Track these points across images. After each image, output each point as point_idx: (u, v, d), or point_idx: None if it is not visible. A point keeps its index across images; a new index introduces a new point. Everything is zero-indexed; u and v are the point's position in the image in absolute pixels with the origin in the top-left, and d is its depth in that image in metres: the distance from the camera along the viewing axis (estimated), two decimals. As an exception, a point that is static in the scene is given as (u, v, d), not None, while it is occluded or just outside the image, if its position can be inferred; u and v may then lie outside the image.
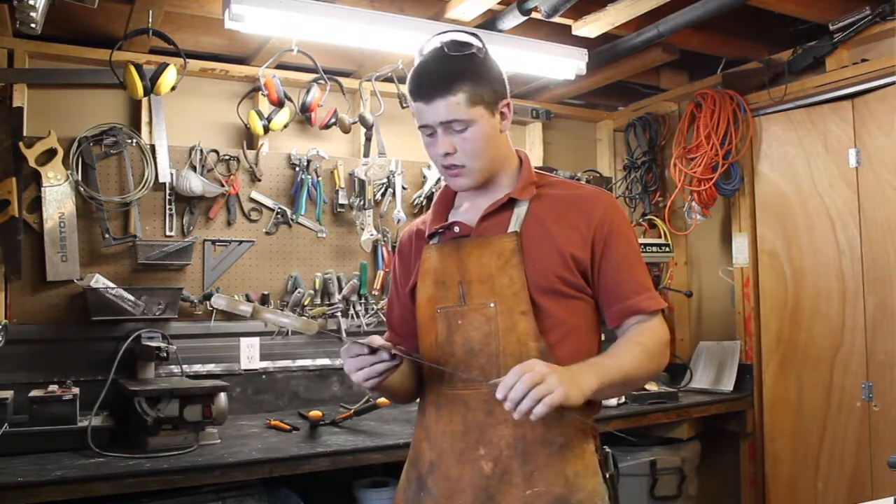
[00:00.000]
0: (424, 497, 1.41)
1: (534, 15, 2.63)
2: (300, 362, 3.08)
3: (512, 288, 1.36)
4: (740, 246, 3.44)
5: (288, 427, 2.61)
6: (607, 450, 1.43)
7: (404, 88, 3.15)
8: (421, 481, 1.43)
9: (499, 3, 2.63)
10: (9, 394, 2.32)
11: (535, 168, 1.53)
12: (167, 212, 2.91)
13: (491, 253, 1.40)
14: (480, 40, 1.43)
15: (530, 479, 1.32)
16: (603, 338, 1.49)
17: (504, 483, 1.33)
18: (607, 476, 1.40)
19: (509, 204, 1.44)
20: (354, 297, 3.18)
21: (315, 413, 2.66)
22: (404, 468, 1.52)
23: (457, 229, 1.47)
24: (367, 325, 3.17)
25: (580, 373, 1.25)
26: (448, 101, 1.35)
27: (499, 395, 1.18)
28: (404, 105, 3.21)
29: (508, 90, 1.46)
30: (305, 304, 3.09)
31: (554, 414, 1.23)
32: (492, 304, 1.37)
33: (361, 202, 3.23)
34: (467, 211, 1.50)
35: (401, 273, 1.57)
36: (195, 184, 2.89)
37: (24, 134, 2.67)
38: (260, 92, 3.05)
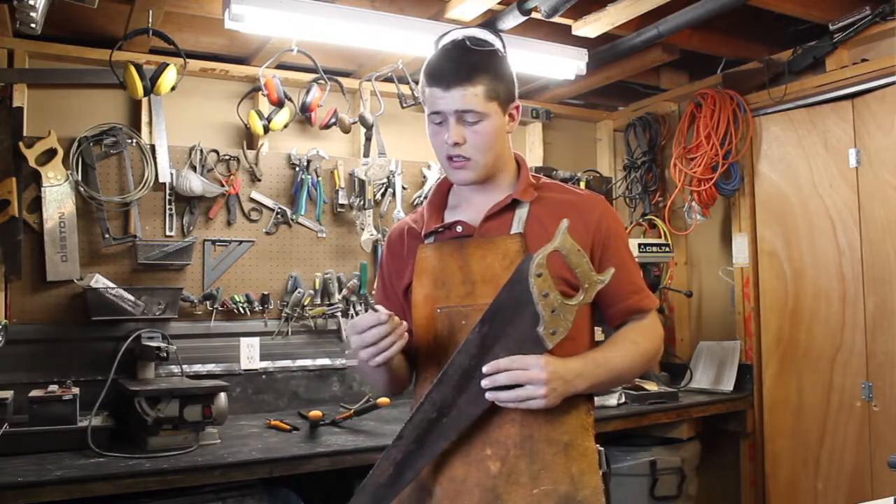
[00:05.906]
0: (425, 497, 1.40)
1: (534, 15, 2.62)
2: (300, 362, 3.08)
3: None
4: (740, 246, 3.44)
5: (288, 427, 2.61)
6: (600, 448, 1.47)
7: (404, 88, 3.19)
8: (420, 482, 1.42)
9: (499, 3, 2.63)
10: (9, 394, 2.33)
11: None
12: (167, 212, 2.91)
13: (495, 253, 1.41)
14: (501, 41, 1.48)
15: (537, 478, 1.33)
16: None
17: (511, 483, 1.33)
18: (601, 474, 1.43)
19: (511, 205, 1.45)
20: (354, 297, 3.18)
21: (315, 413, 2.66)
22: None
23: (459, 229, 1.47)
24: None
25: (575, 378, 1.32)
26: (467, 91, 1.38)
27: (485, 370, 1.28)
28: (404, 105, 3.21)
29: (517, 94, 1.49)
30: (305, 304, 3.09)
31: (557, 411, 1.31)
32: None
33: (361, 202, 3.22)
34: (467, 211, 1.51)
35: (392, 271, 1.56)
36: (195, 184, 2.89)
37: (24, 134, 2.67)
38: (260, 92, 3.05)
